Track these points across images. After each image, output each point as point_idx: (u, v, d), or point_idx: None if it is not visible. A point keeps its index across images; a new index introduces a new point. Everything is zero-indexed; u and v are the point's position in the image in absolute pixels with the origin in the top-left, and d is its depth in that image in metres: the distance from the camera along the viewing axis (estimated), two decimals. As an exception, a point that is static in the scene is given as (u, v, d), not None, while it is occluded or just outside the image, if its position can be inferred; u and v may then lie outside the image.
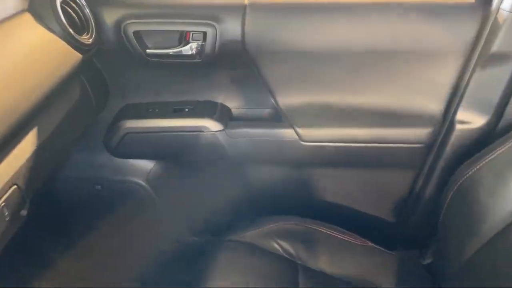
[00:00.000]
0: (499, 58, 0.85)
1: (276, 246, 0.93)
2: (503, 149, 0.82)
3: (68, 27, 0.76)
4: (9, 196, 0.61)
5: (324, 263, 0.92)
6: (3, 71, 0.61)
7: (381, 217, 1.10)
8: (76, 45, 0.78)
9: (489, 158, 0.83)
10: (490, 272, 0.79)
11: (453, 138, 0.94)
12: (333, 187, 1.07)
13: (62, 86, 0.74)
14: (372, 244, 0.97)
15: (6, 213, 0.60)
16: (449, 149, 0.95)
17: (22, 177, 0.64)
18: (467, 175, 0.86)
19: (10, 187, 0.61)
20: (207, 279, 0.85)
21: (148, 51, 0.91)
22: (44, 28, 0.73)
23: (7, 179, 0.60)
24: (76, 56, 0.78)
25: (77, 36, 0.78)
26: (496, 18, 0.83)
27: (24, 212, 0.65)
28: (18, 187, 0.63)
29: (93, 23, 0.85)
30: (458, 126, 0.93)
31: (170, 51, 0.91)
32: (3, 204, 0.59)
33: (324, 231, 0.96)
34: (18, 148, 0.64)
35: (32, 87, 0.65)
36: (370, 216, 1.10)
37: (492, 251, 0.79)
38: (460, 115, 0.92)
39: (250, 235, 0.93)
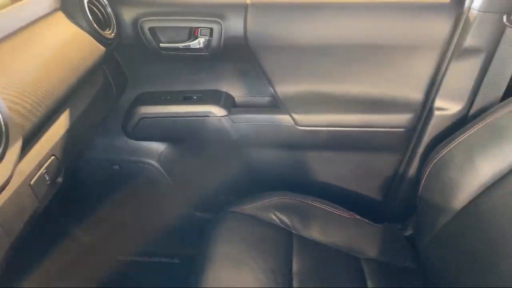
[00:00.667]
0: (471, 52, 0.96)
1: (274, 217, 1.04)
2: (471, 132, 0.93)
3: (93, 23, 0.88)
4: (49, 165, 0.73)
5: (316, 232, 1.04)
6: (43, 61, 0.74)
7: (368, 194, 1.21)
8: (100, 39, 0.90)
9: (459, 140, 0.95)
10: (459, 241, 0.90)
11: (432, 123, 1.05)
12: (326, 167, 1.18)
13: (89, 74, 0.87)
14: (359, 217, 1.09)
15: (47, 178, 0.73)
16: (428, 132, 1.06)
17: (58, 149, 0.76)
18: (441, 155, 0.97)
19: (49, 157, 0.74)
20: (210, 244, 0.96)
21: (161, 45, 1.03)
22: (74, 24, 0.86)
23: (47, 150, 0.73)
24: (100, 48, 0.90)
25: (101, 31, 0.90)
26: (467, 16, 0.94)
27: (60, 179, 0.77)
28: (56, 157, 0.75)
29: (114, 20, 0.97)
30: (436, 112, 1.04)
31: (181, 45, 1.03)
32: (44, 171, 0.72)
33: (317, 205, 1.08)
34: (55, 125, 0.77)
35: (66, 74, 0.78)
36: (358, 193, 1.21)
37: (460, 222, 0.90)
38: (438, 102, 1.04)
39: (251, 207, 1.05)
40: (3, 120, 0.54)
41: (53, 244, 1.28)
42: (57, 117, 0.78)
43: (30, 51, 0.73)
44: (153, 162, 1.21)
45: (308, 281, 0.92)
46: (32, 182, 0.68)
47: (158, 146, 1.20)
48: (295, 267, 0.94)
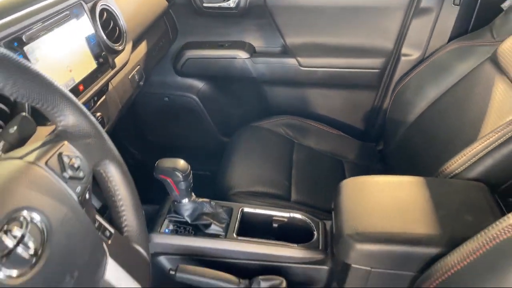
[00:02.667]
0: (425, 11, 1.34)
1: (282, 131, 1.44)
2: (422, 67, 1.32)
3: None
4: (137, 70, 1.15)
5: (311, 142, 1.43)
6: (133, 3, 1.16)
7: (352, 120, 1.59)
8: (165, -4, 1.32)
9: (414, 73, 1.34)
10: (411, 144, 1.27)
11: (400, 65, 1.43)
12: (321, 99, 1.57)
13: (158, 19, 1.29)
14: (344, 134, 1.49)
15: (136, 78, 1.15)
16: (397, 73, 1.44)
17: (142, 62, 1.18)
18: (402, 84, 1.36)
19: (137, 65, 1.16)
20: (237, 143, 1.37)
21: (204, 4, 1.44)
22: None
23: (137, 60, 1.15)
24: (165, 3, 1.32)
25: (166, -9, 1.32)
26: (422, -17, 1.32)
27: (141, 83, 1.19)
28: (140, 66, 1.17)
29: (173, -17, 1.39)
30: (402, 58, 1.42)
31: (217, 4, 1.44)
32: (135, 72, 1.14)
33: (313, 124, 1.47)
34: (140, 46, 1.19)
35: (147, 14, 1.20)
36: (345, 119, 1.60)
37: (412, 130, 1.27)
38: (404, 50, 1.42)
39: (266, 123, 1.44)
40: (124, 25, 0.96)
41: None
42: (141, 42, 1.21)
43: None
44: (193, 96, 1.63)
45: (303, 168, 1.31)
46: (130, 77, 1.10)
47: (198, 83, 1.62)
48: (294, 159, 1.34)
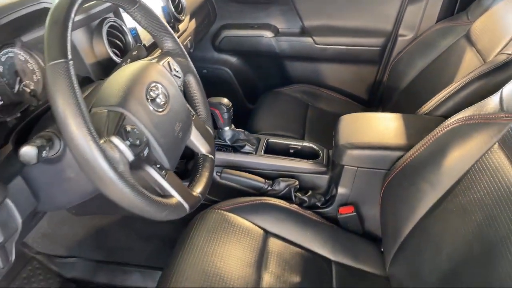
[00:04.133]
0: (417, -2, 1.66)
1: (298, 95, 1.78)
2: (413, 44, 1.64)
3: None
4: (189, 39, 1.51)
5: (322, 105, 1.76)
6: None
7: (357, 91, 1.92)
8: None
9: (406, 49, 1.66)
10: (402, 106, 1.59)
11: (397, 44, 1.75)
12: (331, 72, 1.90)
13: (203, 4, 1.64)
14: (350, 100, 1.82)
15: (189, 46, 1.50)
16: (395, 50, 1.76)
17: (193, 33, 1.54)
18: (397, 58, 1.69)
19: (189, 36, 1.51)
20: (261, 104, 1.71)
21: (239, -8, 1.79)
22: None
23: (189, 32, 1.51)
24: (208, -10, 1.68)
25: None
26: (415, -24, 1.65)
27: (191, 50, 1.55)
28: (191, 37, 1.53)
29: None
30: (399, 38, 1.74)
31: (250, -7, 1.79)
32: (188, 41, 1.50)
33: (324, 91, 1.81)
34: (192, 22, 1.55)
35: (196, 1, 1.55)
36: (351, 90, 1.93)
37: (404, 95, 1.59)
38: (401, 30, 1.74)
39: (285, 90, 1.78)
40: (184, 2, 1.32)
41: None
42: (192, 19, 1.56)
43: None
44: (227, 69, 1.99)
45: (315, 122, 1.64)
46: (184, 43, 1.46)
47: (231, 58, 1.98)
48: (308, 116, 1.67)
